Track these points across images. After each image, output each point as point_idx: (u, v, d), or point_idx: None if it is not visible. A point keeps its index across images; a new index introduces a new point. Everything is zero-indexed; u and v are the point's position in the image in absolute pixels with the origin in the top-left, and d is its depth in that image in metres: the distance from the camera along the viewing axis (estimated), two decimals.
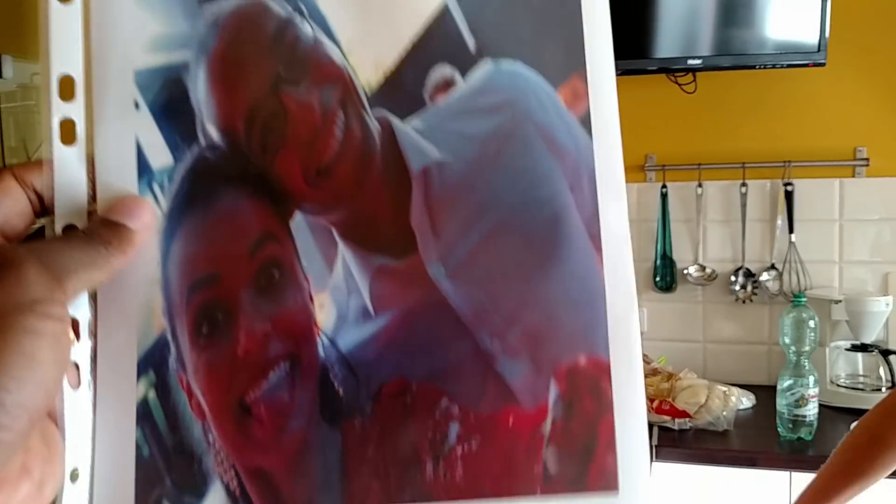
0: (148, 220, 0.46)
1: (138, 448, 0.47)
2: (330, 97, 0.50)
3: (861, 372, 2.60)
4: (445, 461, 0.50)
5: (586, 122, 0.53)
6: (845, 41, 2.63)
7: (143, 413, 0.47)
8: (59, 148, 0.45)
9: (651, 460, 2.14)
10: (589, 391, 0.51)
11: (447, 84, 0.52)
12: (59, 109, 0.45)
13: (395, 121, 0.51)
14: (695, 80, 2.78)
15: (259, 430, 0.48)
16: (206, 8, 0.49)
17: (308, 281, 0.50)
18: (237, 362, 0.48)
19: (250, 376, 0.48)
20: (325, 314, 0.50)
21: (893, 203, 2.72)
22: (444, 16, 0.52)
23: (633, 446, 0.51)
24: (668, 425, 2.37)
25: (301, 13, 0.50)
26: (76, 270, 0.42)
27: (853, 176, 2.74)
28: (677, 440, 2.31)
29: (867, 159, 2.71)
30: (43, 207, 0.45)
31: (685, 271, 2.87)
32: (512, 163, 0.52)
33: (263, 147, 0.49)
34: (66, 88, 0.46)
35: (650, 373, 2.67)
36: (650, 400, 2.47)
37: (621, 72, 2.67)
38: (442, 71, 0.52)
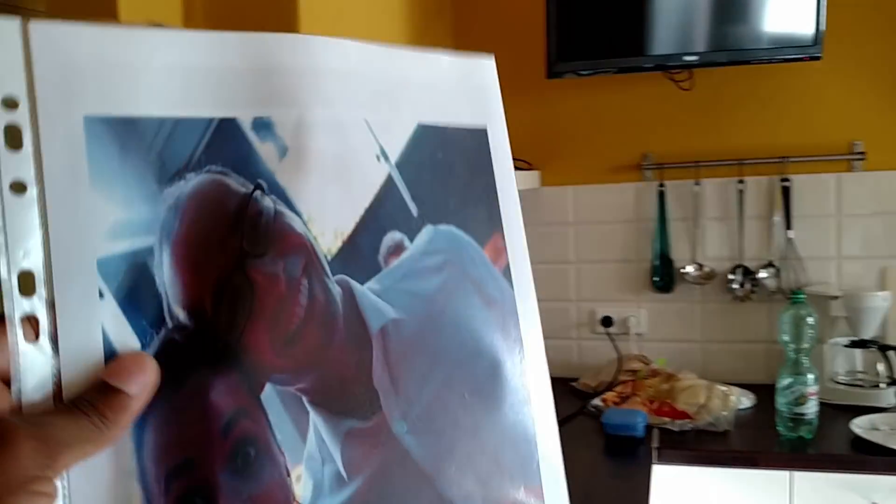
0: (148, 383, 0.45)
1: None
2: (295, 266, 0.51)
3: (860, 368, 2.58)
4: None
5: (507, 273, 0.62)
6: (841, 34, 2.62)
7: None
8: (23, 344, 0.44)
9: (652, 462, 2.13)
10: None
11: (398, 248, 0.57)
12: (21, 306, 0.44)
13: (355, 284, 0.54)
14: (691, 77, 2.77)
15: None
16: (166, 191, 0.48)
17: (283, 454, 0.50)
18: None
19: None
20: (302, 487, 0.50)
21: (890, 197, 2.71)
22: (390, 186, 0.57)
23: None
24: (669, 427, 2.35)
25: (261, 188, 0.51)
26: (71, 446, 0.41)
27: (850, 170, 2.72)
28: (678, 442, 2.29)
29: (864, 153, 2.70)
30: None
31: (683, 270, 2.85)
32: (455, 317, 0.58)
33: (232, 322, 0.49)
34: (27, 284, 0.44)
35: (649, 374, 2.67)
36: (650, 401, 2.46)
37: (617, 69, 2.66)
38: (393, 236, 0.57)
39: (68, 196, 0.45)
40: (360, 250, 0.55)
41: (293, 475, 0.49)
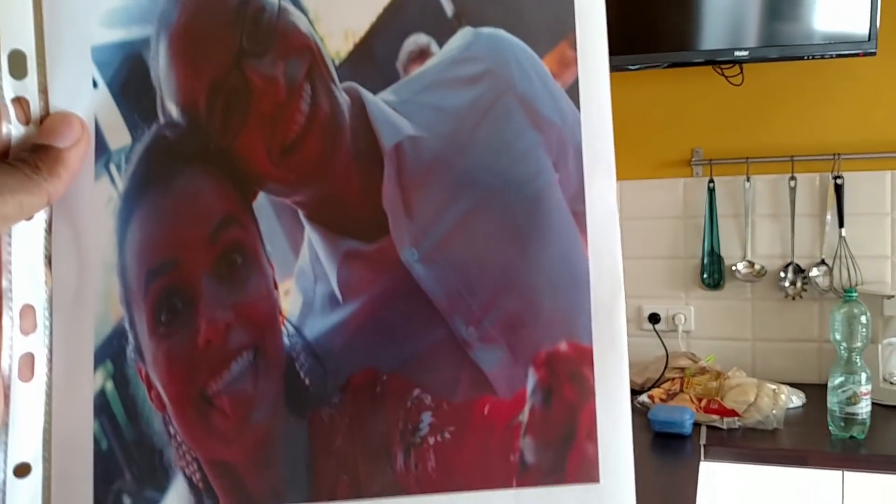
0: (78, 135, 0.44)
1: (96, 441, 0.45)
2: (296, 70, 0.47)
3: None
4: (417, 453, 0.48)
5: (574, 92, 0.50)
6: (895, 29, 2.57)
7: (101, 405, 0.46)
8: (15, 126, 0.43)
9: (699, 460, 2.11)
10: (569, 378, 0.49)
11: (422, 54, 0.49)
12: (11, 87, 0.43)
13: (366, 94, 0.48)
14: (742, 73, 2.74)
15: (222, 422, 0.47)
16: None
17: (272, 267, 0.48)
18: (198, 353, 0.46)
19: (212, 367, 0.46)
20: (290, 302, 0.48)
21: None
22: None
23: (616, 436, 0.49)
24: (717, 424, 2.33)
25: None
26: (2, 193, 0.41)
27: None
28: (726, 439, 2.27)
29: None
30: None
31: (733, 268, 2.82)
32: (491, 138, 0.49)
33: (225, 124, 0.47)
34: (18, 65, 0.43)
35: (698, 371, 2.64)
36: (697, 399, 2.44)
37: (667, 64, 2.64)
38: (417, 39, 0.49)
39: None
40: (375, 55, 0.49)
41: (281, 289, 0.47)
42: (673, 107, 2.88)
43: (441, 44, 0.49)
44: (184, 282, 0.46)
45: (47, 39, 0.44)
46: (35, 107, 0.44)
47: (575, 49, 0.50)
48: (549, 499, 0.48)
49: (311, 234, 0.48)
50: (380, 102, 0.48)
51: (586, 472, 0.49)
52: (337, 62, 0.48)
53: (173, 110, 0.46)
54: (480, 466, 0.48)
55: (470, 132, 0.49)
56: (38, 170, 0.42)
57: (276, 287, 0.47)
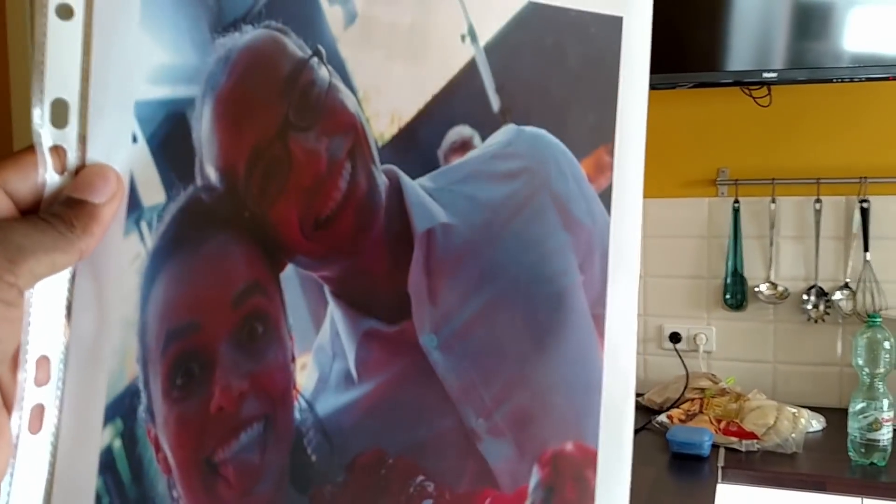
0: (113, 191, 0.43)
1: (98, 499, 0.44)
2: (339, 147, 0.47)
3: None
4: None
5: (607, 197, 0.51)
6: None
7: (107, 462, 0.45)
8: (50, 174, 0.42)
9: (717, 482, 2.09)
10: (572, 479, 0.49)
11: (465, 145, 0.49)
12: (51, 136, 0.42)
13: (404, 177, 0.48)
14: (769, 94, 2.72)
15: (225, 491, 0.46)
16: (217, 41, 0.45)
17: (292, 339, 0.47)
18: (209, 419, 0.46)
19: (221, 435, 0.46)
20: (305, 376, 0.47)
21: None
22: (470, 71, 0.49)
23: None
24: (735, 447, 2.32)
25: (319, 55, 0.47)
26: (34, 252, 0.40)
27: None
28: (744, 462, 2.25)
29: None
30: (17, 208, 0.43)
31: (756, 289, 2.80)
32: (522, 233, 0.49)
33: (263, 192, 0.46)
34: (60, 113, 0.42)
35: (718, 393, 2.62)
36: (717, 420, 2.43)
37: (693, 84, 2.63)
38: (461, 130, 0.49)
39: (115, 29, 0.43)
40: (418, 141, 0.49)
41: (298, 362, 0.47)
42: (699, 126, 2.87)
43: (484, 137, 0.49)
44: (202, 346, 0.46)
45: (92, 90, 0.42)
46: (72, 157, 0.43)
47: (612, 155, 0.51)
48: None
49: (333, 311, 0.48)
50: (417, 187, 0.49)
51: None
52: (380, 143, 0.48)
53: (212, 174, 0.45)
54: None
55: (502, 225, 0.49)
56: (72, 227, 0.41)
57: (293, 360, 0.47)
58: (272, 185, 0.46)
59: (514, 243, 0.49)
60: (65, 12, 0.41)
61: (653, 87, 2.62)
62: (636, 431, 2.44)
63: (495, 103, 0.50)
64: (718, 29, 2.56)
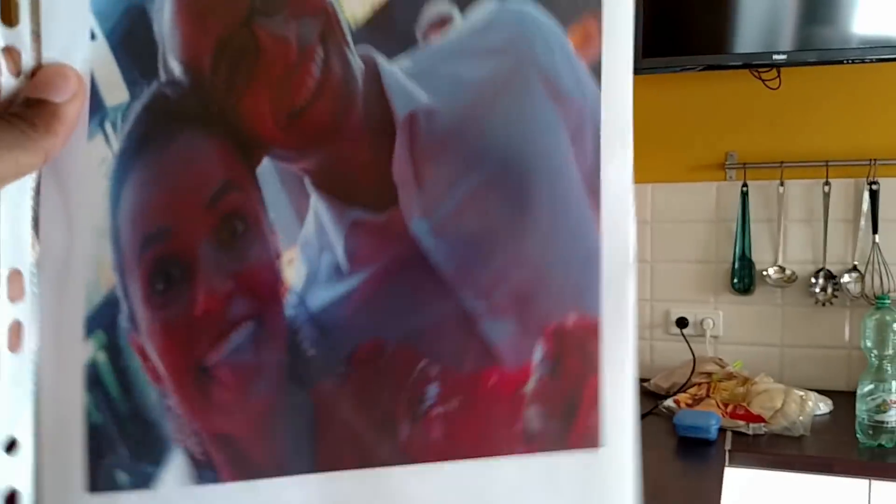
0: (74, 89, 0.42)
1: (88, 415, 0.44)
2: (309, 31, 0.45)
3: None
4: (422, 422, 0.47)
5: (596, 68, 0.49)
6: None
7: (92, 377, 0.44)
8: (7, 79, 0.40)
9: (724, 465, 2.09)
10: (576, 350, 0.49)
11: (443, 21, 0.47)
12: (2, 35, 0.40)
13: (382, 60, 0.46)
14: (779, 76, 2.71)
15: (222, 394, 0.45)
16: None
17: (275, 235, 0.46)
18: (196, 323, 0.44)
19: (210, 338, 0.45)
20: (293, 271, 0.46)
21: None
22: None
23: (619, 405, 0.49)
24: (743, 430, 2.31)
25: None
26: None
27: None
28: (751, 445, 2.25)
29: None
30: None
31: (764, 273, 2.79)
32: (509, 111, 0.48)
33: (230, 84, 0.44)
34: (10, 12, 0.40)
35: (725, 377, 2.62)
36: (724, 404, 2.42)
37: (703, 67, 2.62)
38: (438, 7, 0.47)
39: None
40: (393, 20, 0.46)
41: (284, 258, 0.46)
42: (708, 110, 2.85)
43: (463, 11, 0.47)
44: (181, 249, 0.44)
45: None
46: (27, 58, 0.41)
47: (600, 23, 0.48)
48: (552, 464, 0.49)
49: (317, 203, 0.46)
50: (395, 70, 0.47)
51: (588, 439, 0.49)
52: (353, 26, 0.46)
53: (176, 68, 0.44)
54: (486, 435, 0.48)
55: (487, 104, 0.48)
56: (34, 126, 0.40)
57: (278, 256, 0.46)
58: (240, 77, 0.44)
59: (500, 122, 0.48)
60: None
61: (661, 70, 2.62)
62: (643, 416, 2.44)
63: None
64: (727, 11, 2.54)
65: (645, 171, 2.89)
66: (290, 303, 0.46)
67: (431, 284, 0.47)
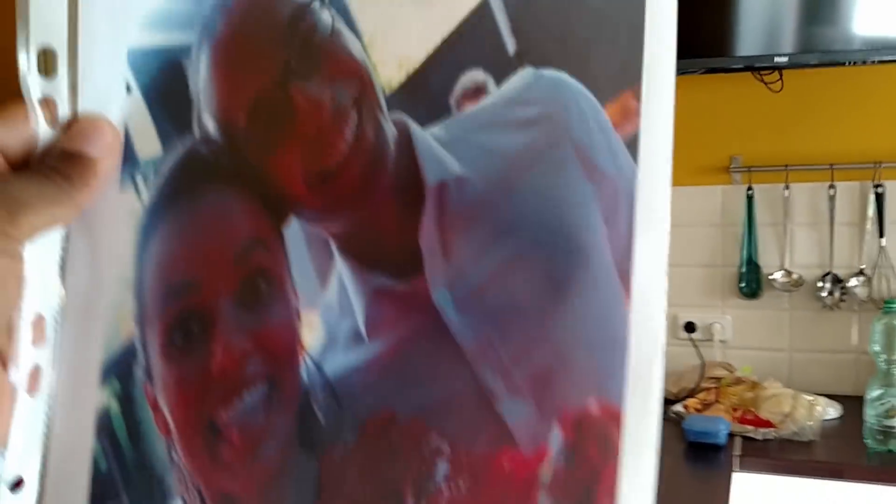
0: (109, 143, 0.42)
1: (95, 461, 0.44)
2: (344, 95, 0.45)
3: None
4: (429, 501, 0.46)
5: (633, 145, 0.46)
6: None
7: (103, 424, 0.44)
8: (42, 126, 0.41)
9: (732, 470, 2.08)
10: (595, 438, 0.46)
11: (478, 91, 0.46)
12: (40, 86, 0.40)
13: (414, 127, 0.46)
14: (781, 79, 2.70)
15: (229, 454, 0.45)
16: None
17: (297, 296, 0.45)
18: (210, 379, 0.44)
19: (223, 395, 0.45)
20: (312, 335, 0.46)
21: None
22: (483, 12, 0.46)
23: (636, 497, 0.46)
24: (752, 435, 2.30)
25: None
26: (34, 206, 0.39)
27: None
28: (760, 450, 2.24)
29: None
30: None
31: (771, 277, 2.78)
32: (541, 184, 0.46)
33: (264, 143, 0.44)
34: (48, 63, 0.41)
35: (733, 382, 2.60)
36: (733, 409, 2.41)
37: (704, 70, 2.61)
38: (474, 76, 0.46)
39: None
40: (428, 87, 0.46)
41: (304, 320, 0.45)
42: (711, 113, 2.84)
43: (499, 82, 0.46)
44: (203, 305, 0.44)
45: (81, 38, 0.41)
46: (63, 109, 0.41)
47: (639, 100, 0.46)
48: None
49: (341, 267, 0.46)
50: (428, 137, 0.46)
51: None
52: (387, 91, 0.45)
53: (210, 125, 0.44)
54: None
55: (519, 177, 0.46)
56: (70, 180, 0.41)
57: (299, 318, 0.45)
58: (274, 136, 0.44)
59: (532, 196, 0.46)
60: None
61: None
62: None
63: (510, 45, 0.46)
64: (729, 13, 2.54)
65: None
66: (306, 367, 0.46)
67: (450, 358, 0.46)
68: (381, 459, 0.46)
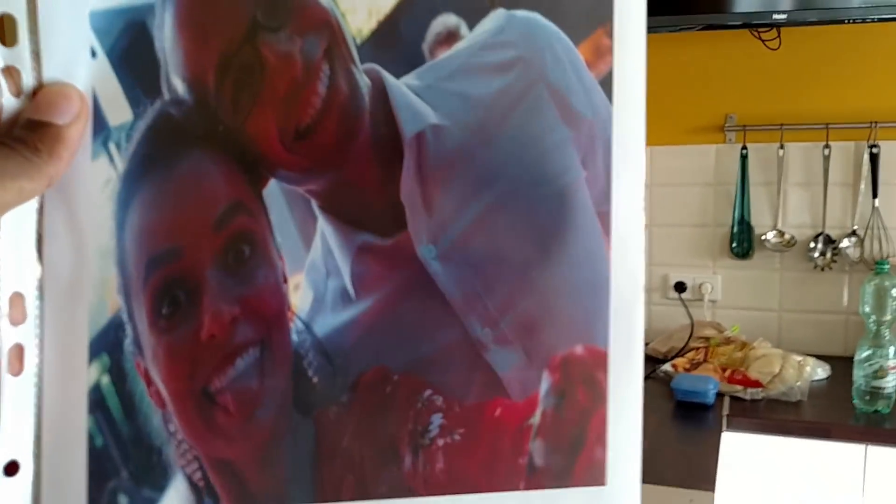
0: (77, 110, 0.41)
1: (91, 438, 0.43)
2: (314, 48, 0.44)
3: None
4: (425, 453, 0.47)
5: (608, 84, 0.47)
6: None
7: (96, 400, 0.43)
8: (6, 95, 0.40)
9: (721, 430, 2.08)
10: (583, 382, 0.48)
11: (451, 36, 0.46)
12: (1, 56, 0.40)
13: (388, 77, 0.45)
14: (779, 36, 2.67)
15: (225, 420, 0.45)
16: None
17: (282, 259, 0.45)
18: (201, 348, 0.44)
19: (215, 363, 0.44)
20: (300, 297, 0.46)
21: None
22: None
23: (625, 440, 0.48)
24: (740, 395, 2.31)
25: None
26: (1, 179, 0.38)
27: None
28: (749, 410, 2.24)
29: None
30: None
31: (763, 237, 2.77)
32: (519, 131, 0.46)
33: (235, 103, 0.43)
34: (8, 31, 0.39)
35: (723, 342, 2.61)
36: (722, 369, 2.41)
37: (702, 26, 2.58)
38: (446, 21, 0.46)
39: None
40: (400, 35, 0.45)
41: (291, 283, 0.45)
42: (707, 71, 2.82)
43: (471, 26, 0.46)
44: (187, 272, 0.44)
45: (40, 3, 0.40)
46: (27, 77, 0.40)
47: (612, 37, 0.47)
48: (556, 501, 0.48)
49: (324, 226, 0.46)
50: (402, 87, 0.46)
51: (593, 475, 0.48)
52: (358, 41, 0.45)
53: (179, 86, 0.43)
54: (489, 468, 0.47)
55: (497, 124, 0.46)
56: (37, 151, 0.39)
57: (285, 281, 0.45)
58: (245, 95, 0.44)
59: (510, 142, 0.46)
60: None
61: (658, 29, 2.58)
62: None
63: None
64: None
65: None
66: (295, 328, 0.46)
67: (438, 312, 0.47)
68: (375, 416, 0.46)
